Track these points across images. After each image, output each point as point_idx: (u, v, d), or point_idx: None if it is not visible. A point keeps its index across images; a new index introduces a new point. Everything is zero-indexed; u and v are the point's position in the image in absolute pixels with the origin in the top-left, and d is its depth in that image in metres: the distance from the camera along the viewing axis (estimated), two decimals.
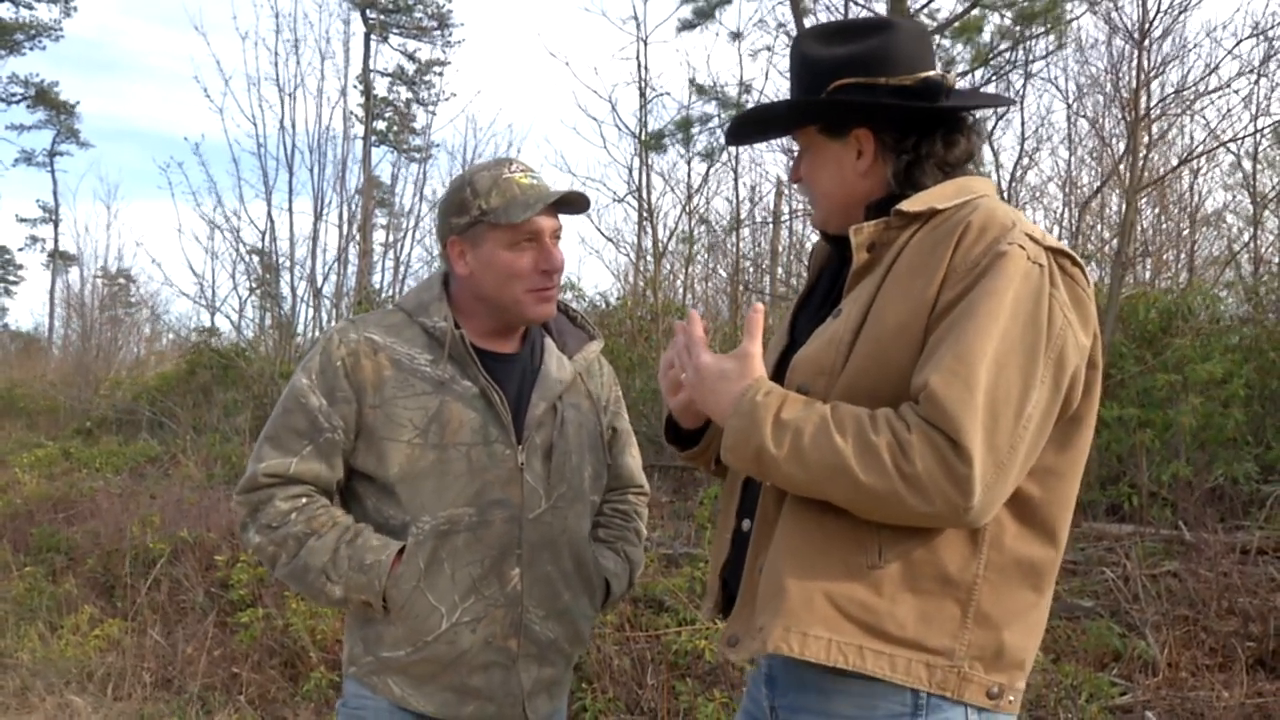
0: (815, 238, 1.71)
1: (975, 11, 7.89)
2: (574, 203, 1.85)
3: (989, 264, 1.31)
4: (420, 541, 1.75)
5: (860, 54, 1.48)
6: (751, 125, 1.70)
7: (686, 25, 10.00)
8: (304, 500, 1.79)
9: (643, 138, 10.23)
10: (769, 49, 11.43)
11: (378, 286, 15.58)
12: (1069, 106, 11.09)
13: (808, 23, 7.99)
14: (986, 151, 10.36)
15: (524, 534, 1.80)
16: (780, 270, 12.71)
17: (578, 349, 1.96)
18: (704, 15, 9.77)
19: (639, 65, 10.80)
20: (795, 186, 1.66)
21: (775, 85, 10.73)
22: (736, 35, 10.28)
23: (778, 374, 1.58)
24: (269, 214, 14.50)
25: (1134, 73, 8.13)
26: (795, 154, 1.62)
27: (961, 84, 1.57)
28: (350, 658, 1.85)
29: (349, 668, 1.85)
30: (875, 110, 1.47)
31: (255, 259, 15.05)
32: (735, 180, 13.18)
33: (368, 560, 1.73)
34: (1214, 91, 8.61)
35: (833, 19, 6.53)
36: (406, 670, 1.78)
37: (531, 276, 1.80)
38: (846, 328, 1.40)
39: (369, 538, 1.76)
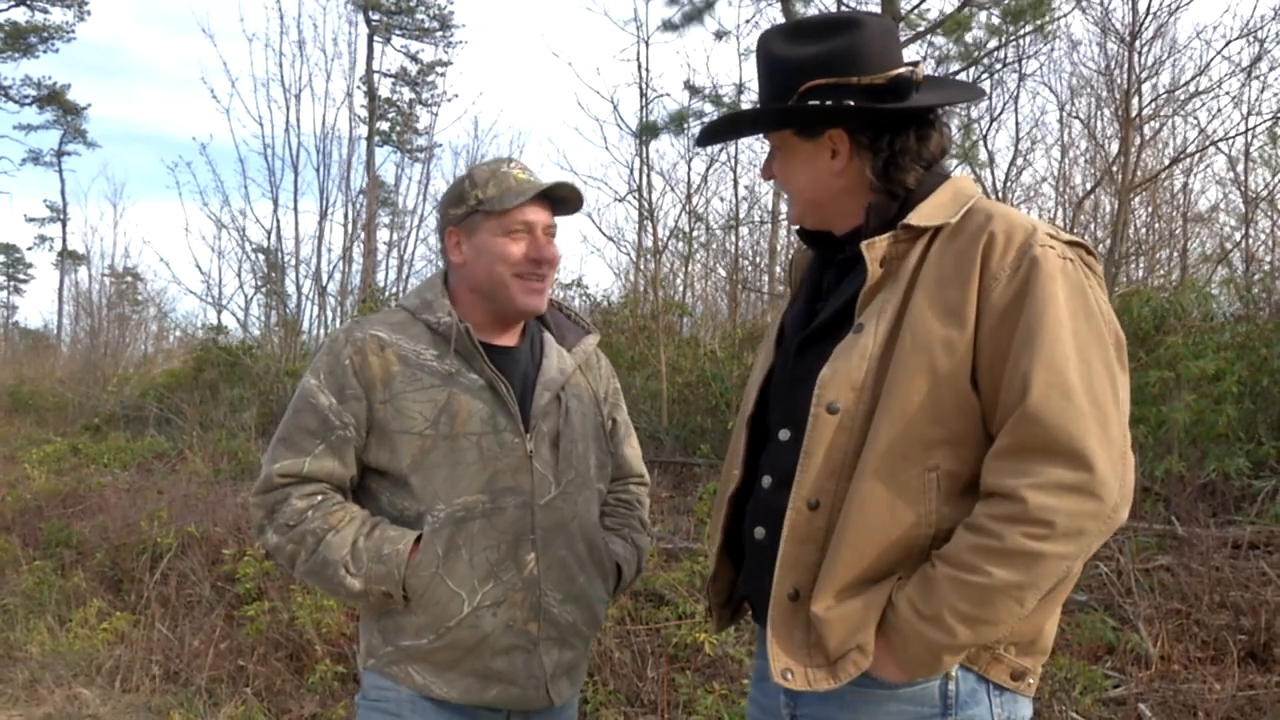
0: None
1: (965, 11, 7.89)
2: (569, 200, 1.89)
3: (1029, 270, 1.33)
4: (436, 529, 1.78)
5: (829, 54, 1.47)
6: (724, 129, 1.71)
7: (669, 26, 9.96)
8: (320, 497, 1.81)
9: (642, 135, 10.24)
10: None
11: (381, 285, 15.66)
12: (1061, 108, 11.16)
13: None
14: (981, 151, 10.40)
15: (536, 519, 1.83)
16: (778, 269, 12.74)
17: (576, 343, 2.00)
18: (690, 19, 9.75)
19: (640, 66, 10.81)
20: (760, 181, 1.68)
21: None
22: (720, 34, 10.24)
23: (766, 386, 1.60)
24: (274, 213, 14.59)
25: (1126, 74, 8.18)
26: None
27: (929, 70, 1.57)
28: (368, 650, 1.86)
29: (367, 660, 1.87)
30: (848, 113, 1.47)
31: (261, 258, 15.11)
32: (734, 180, 13.24)
33: (385, 550, 1.75)
34: (1205, 93, 8.67)
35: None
36: (428, 658, 1.80)
37: (521, 264, 1.84)
38: (874, 342, 1.40)
39: (386, 529, 1.79)
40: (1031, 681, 1.43)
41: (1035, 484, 1.26)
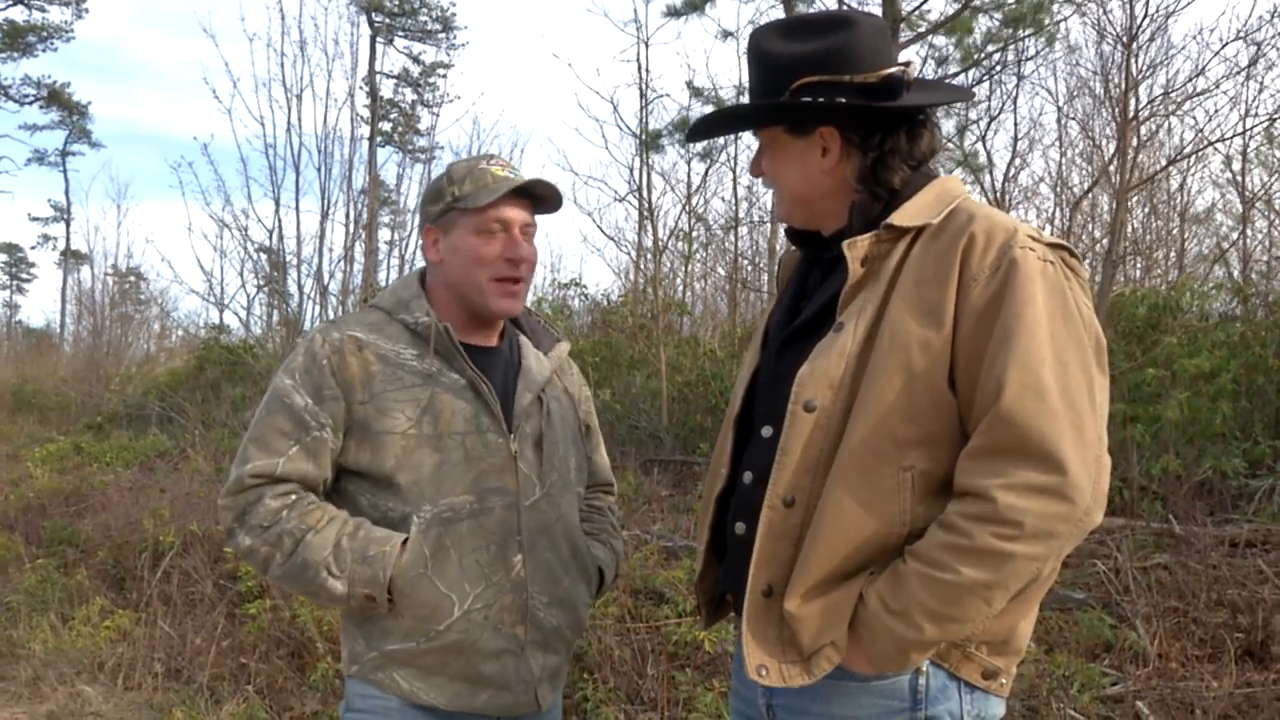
0: None
1: (965, 14, 7.92)
2: (547, 199, 1.85)
3: (1008, 271, 1.33)
4: (424, 530, 1.73)
5: (823, 51, 1.47)
6: (716, 124, 1.70)
7: (673, 12, 9.94)
8: (294, 497, 1.74)
9: (643, 138, 10.27)
10: None
11: (383, 284, 15.69)
12: (1059, 109, 11.22)
13: None
14: (980, 152, 10.44)
15: (523, 521, 1.80)
16: (777, 269, 12.77)
17: (551, 347, 1.97)
18: (693, 6, 9.75)
19: (640, 67, 10.85)
20: (759, 180, 1.66)
21: None
22: (727, 34, 10.28)
23: (752, 387, 1.60)
24: (276, 213, 14.62)
25: (1123, 76, 8.21)
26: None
27: (929, 71, 1.58)
28: (351, 656, 1.81)
29: (350, 667, 1.81)
30: (840, 110, 1.46)
31: (263, 257, 15.14)
32: (734, 180, 13.26)
33: (371, 552, 1.70)
34: (1202, 94, 8.70)
35: None
36: (414, 662, 1.75)
37: (497, 264, 1.79)
38: (853, 341, 1.39)
39: (371, 530, 1.74)
40: (1004, 681, 1.43)
41: (1006, 484, 1.26)
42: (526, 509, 1.81)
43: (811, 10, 8.45)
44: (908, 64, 1.50)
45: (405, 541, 1.74)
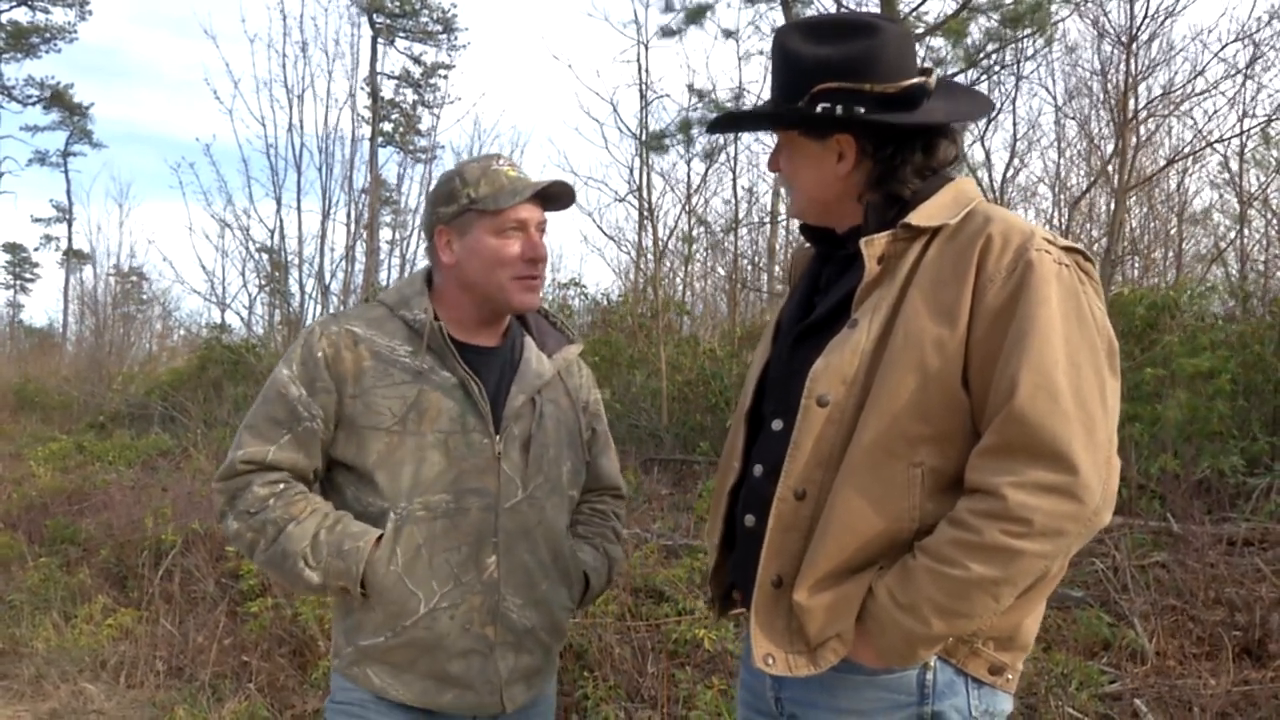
0: None
1: (963, 14, 7.93)
2: (560, 197, 1.87)
3: (1024, 273, 1.34)
4: (398, 527, 1.76)
5: (845, 57, 1.47)
6: (736, 121, 1.74)
7: (668, 32, 10.01)
8: (281, 485, 1.79)
9: (643, 139, 10.30)
10: (763, 53, 11.48)
11: (384, 283, 15.72)
12: (1057, 109, 11.24)
13: None
14: (978, 152, 10.47)
15: (500, 522, 1.81)
16: (777, 269, 12.79)
17: (557, 349, 1.98)
18: (694, 19, 9.81)
19: (639, 68, 10.89)
20: (758, 182, 1.70)
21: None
22: (730, 34, 10.34)
23: (762, 380, 1.62)
24: (278, 213, 14.75)
25: (1122, 76, 8.23)
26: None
27: (941, 74, 1.58)
28: (334, 650, 1.87)
29: (334, 660, 1.87)
30: (858, 120, 1.47)
31: (264, 257, 15.21)
32: (734, 181, 13.29)
33: (346, 546, 1.74)
34: (1201, 94, 8.73)
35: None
36: (384, 658, 1.79)
37: (517, 264, 1.82)
38: (868, 338, 1.41)
39: (349, 524, 1.77)
40: (1010, 677, 1.45)
41: (1016, 482, 1.28)
42: (505, 511, 1.82)
43: (810, 13, 8.48)
44: (930, 72, 1.51)
45: (380, 538, 1.77)
